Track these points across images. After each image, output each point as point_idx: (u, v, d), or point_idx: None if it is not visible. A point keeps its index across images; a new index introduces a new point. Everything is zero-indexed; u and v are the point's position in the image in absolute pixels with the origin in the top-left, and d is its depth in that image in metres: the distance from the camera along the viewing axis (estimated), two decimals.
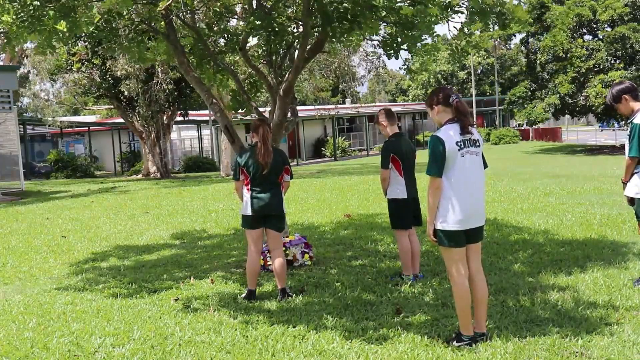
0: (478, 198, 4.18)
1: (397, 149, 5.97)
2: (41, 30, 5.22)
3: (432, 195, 4.10)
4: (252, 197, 5.52)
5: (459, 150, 4.05)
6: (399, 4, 5.29)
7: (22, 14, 5.08)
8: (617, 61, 31.26)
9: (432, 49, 6.16)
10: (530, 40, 35.08)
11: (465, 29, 6.12)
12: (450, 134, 4.07)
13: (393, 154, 5.94)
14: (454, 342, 4.18)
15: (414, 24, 5.51)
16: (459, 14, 5.81)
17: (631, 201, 5.46)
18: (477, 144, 4.17)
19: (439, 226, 4.13)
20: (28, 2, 5.02)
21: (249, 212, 5.54)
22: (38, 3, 5.05)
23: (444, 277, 5.98)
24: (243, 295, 5.67)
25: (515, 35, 35.98)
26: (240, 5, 7.79)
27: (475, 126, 4.26)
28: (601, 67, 30.83)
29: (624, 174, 5.44)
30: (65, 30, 5.03)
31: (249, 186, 5.54)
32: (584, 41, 32.35)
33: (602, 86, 29.45)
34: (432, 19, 5.37)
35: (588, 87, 30.45)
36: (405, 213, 6.00)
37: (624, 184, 5.47)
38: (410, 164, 6.04)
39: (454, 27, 6.28)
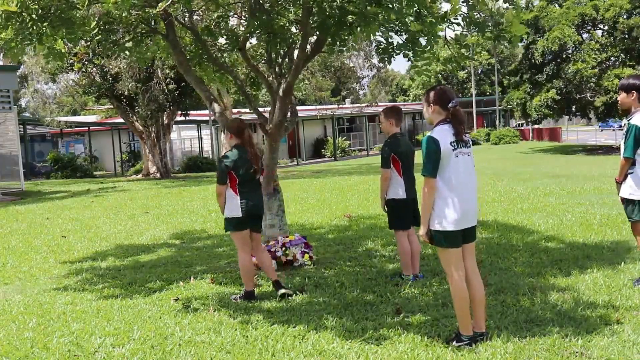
0: (472, 198, 4.20)
1: (398, 149, 5.97)
2: (40, 47, 5.24)
3: (428, 195, 4.09)
4: (242, 199, 5.53)
5: (453, 150, 4.08)
6: (404, 16, 5.27)
7: (20, 32, 5.09)
8: (628, 57, 31.18)
9: (433, 59, 6.14)
10: (532, 39, 35.01)
11: (460, 40, 6.11)
12: (443, 135, 4.10)
13: (394, 154, 5.94)
14: (454, 342, 4.18)
15: (417, 40, 5.51)
16: (455, 25, 5.78)
17: (624, 201, 5.47)
18: (468, 144, 4.22)
19: (437, 227, 4.12)
20: (27, 20, 5.02)
21: (239, 213, 5.52)
22: (35, 17, 5.04)
23: (444, 277, 5.96)
24: (238, 296, 5.63)
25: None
26: (239, 5, 7.78)
27: (468, 134, 4.30)
28: (614, 61, 30.83)
29: (618, 173, 5.44)
30: (63, 49, 5.06)
31: (236, 188, 5.52)
32: (599, 36, 32.32)
33: (618, 80, 29.44)
34: (436, 37, 5.39)
35: (603, 79, 30.31)
36: (404, 213, 5.99)
37: (618, 184, 5.47)
38: (409, 164, 6.04)
39: (450, 37, 6.29)
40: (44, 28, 5.10)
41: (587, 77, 30.32)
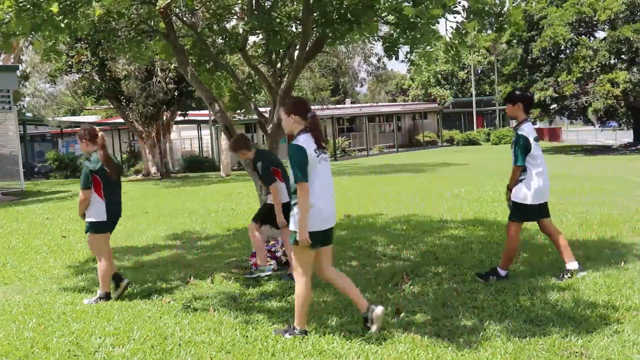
0: (333, 200, 4.58)
1: (270, 160, 6.35)
2: (39, 18, 5.20)
3: (305, 199, 4.32)
4: (107, 203, 5.74)
5: (317, 156, 4.42)
6: (400, 4, 5.28)
7: (22, 1, 5.06)
8: (620, 61, 31.10)
9: (433, 39, 6.14)
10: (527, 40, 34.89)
11: (461, 28, 6.11)
12: (308, 143, 4.41)
13: (273, 167, 6.28)
14: (286, 335, 4.44)
15: (415, 25, 5.51)
16: (455, 15, 5.81)
17: (512, 205, 5.78)
18: (326, 151, 4.57)
19: (308, 228, 4.34)
20: None
21: (104, 217, 5.73)
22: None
23: (444, 277, 5.98)
24: (94, 298, 5.75)
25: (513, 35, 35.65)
26: (239, 5, 7.79)
27: (327, 142, 4.55)
28: (604, 65, 30.66)
29: (509, 180, 5.74)
30: (56, 12, 5.00)
31: (101, 192, 5.71)
32: (590, 40, 32.19)
33: (610, 85, 29.28)
34: (433, 21, 5.39)
35: (596, 84, 30.22)
36: (272, 214, 6.25)
37: (509, 190, 5.76)
38: (285, 170, 6.36)
39: (450, 26, 6.29)
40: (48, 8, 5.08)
41: (570, 90, 30.24)
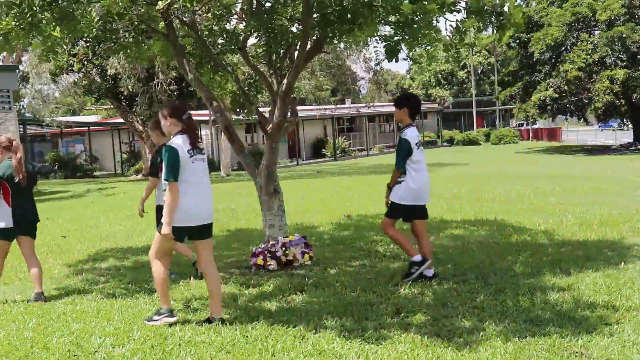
0: (209, 197, 4.88)
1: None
2: (41, 35, 5.24)
3: (172, 197, 4.63)
4: (15, 210, 5.80)
5: (190, 157, 4.72)
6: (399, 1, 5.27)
7: (20, 20, 5.08)
8: (620, 59, 31.06)
9: (431, 39, 6.14)
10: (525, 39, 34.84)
11: (460, 27, 6.10)
12: (181, 144, 4.71)
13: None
14: (155, 317, 4.88)
15: (413, 22, 5.50)
16: (455, 13, 5.81)
17: (389, 204, 6.03)
18: (203, 151, 4.88)
19: (176, 224, 4.67)
20: (26, 10, 5.03)
21: (10, 224, 5.81)
22: (37, 8, 5.05)
23: (444, 277, 5.98)
24: (31, 298, 5.91)
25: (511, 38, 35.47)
26: (239, 5, 7.79)
27: (201, 142, 4.93)
28: (606, 62, 30.62)
29: (390, 180, 6.01)
30: (60, 36, 5.06)
31: (9, 199, 5.76)
32: (589, 36, 32.13)
33: (609, 82, 29.26)
34: (431, 17, 5.38)
35: (596, 81, 30.17)
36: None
37: (388, 189, 6.02)
38: None
39: (450, 25, 6.28)
40: (44, 19, 5.11)
41: (573, 79, 30.11)
